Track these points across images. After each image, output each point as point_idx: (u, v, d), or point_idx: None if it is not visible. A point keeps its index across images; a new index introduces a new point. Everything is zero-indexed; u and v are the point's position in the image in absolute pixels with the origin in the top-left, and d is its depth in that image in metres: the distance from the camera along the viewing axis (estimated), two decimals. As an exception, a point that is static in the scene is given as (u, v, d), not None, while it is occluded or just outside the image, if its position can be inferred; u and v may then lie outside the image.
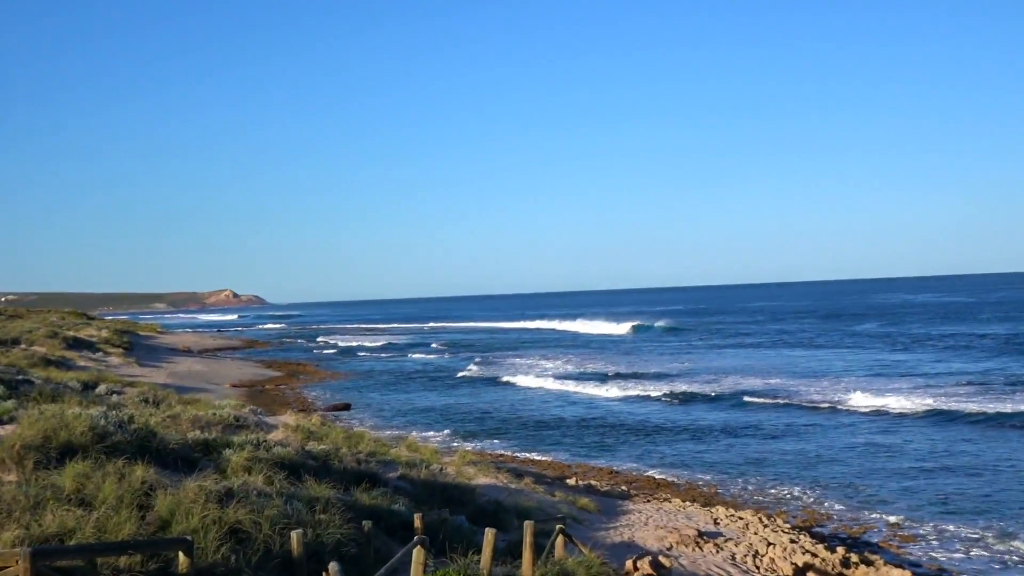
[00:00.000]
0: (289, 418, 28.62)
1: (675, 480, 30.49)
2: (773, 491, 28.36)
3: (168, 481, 12.01)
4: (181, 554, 9.42)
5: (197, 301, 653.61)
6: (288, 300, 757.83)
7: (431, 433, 39.84)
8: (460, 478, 23.09)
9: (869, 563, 19.52)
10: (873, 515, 24.97)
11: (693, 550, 20.16)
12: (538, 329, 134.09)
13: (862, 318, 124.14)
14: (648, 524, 22.74)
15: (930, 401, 42.71)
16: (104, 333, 73.71)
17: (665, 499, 27.23)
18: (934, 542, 22.28)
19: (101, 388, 27.15)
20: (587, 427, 41.00)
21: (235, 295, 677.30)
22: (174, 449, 14.75)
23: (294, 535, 10.81)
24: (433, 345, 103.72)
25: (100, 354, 59.11)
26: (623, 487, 29.02)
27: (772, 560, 19.44)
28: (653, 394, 49.80)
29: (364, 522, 12.80)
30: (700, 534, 21.23)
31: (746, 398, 47.18)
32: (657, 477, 30.92)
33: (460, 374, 65.41)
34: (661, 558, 18.13)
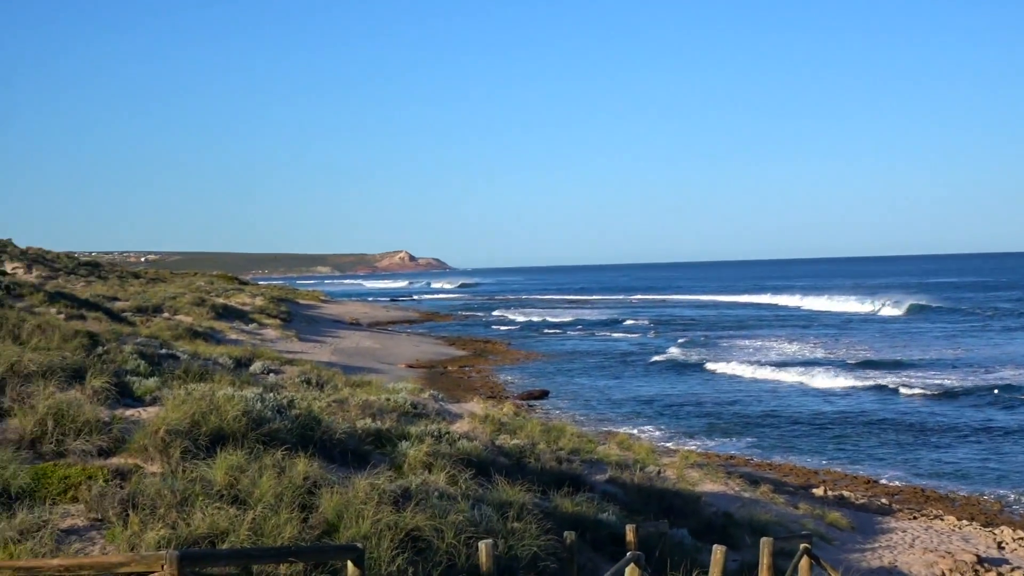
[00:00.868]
0: (476, 406, 29.06)
1: (949, 493, 29.64)
2: (1082, 511, 27.23)
3: (335, 478, 12.31)
4: (350, 564, 9.61)
5: (367, 264, 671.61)
6: (471, 265, 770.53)
7: (647, 428, 39.84)
8: (682, 484, 22.98)
9: None
10: None
11: (974, 581, 19.58)
12: (766, 305, 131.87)
13: None
14: (914, 546, 22.20)
15: None
16: (258, 301, 76.31)
17: (936, 516, 26.55)
18: None
19: (256, 366, 28.13)
20: (838, 426, 40.18)
21: (411, 258, 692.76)
22: (341, 440, 15.10)
23: (483, 546, 10.90)
24: (643, 321, 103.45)
25: (254, 326, 61.30)
26: (883, 500, 28.40)
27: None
28: (919, 387, 48.32)
29: (566, 533, 12.83)
30: (980, 560, 20.60)
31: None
32: (927, 489, 30.12)
33: (674, 357, 65.05)
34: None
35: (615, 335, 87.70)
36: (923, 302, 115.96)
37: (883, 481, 31.17)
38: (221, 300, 70.35)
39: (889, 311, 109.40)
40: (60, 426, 12.40)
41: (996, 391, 46.65)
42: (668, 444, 35.59)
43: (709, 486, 24.38)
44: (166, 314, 55.76)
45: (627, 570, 11.38)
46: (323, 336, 67.08)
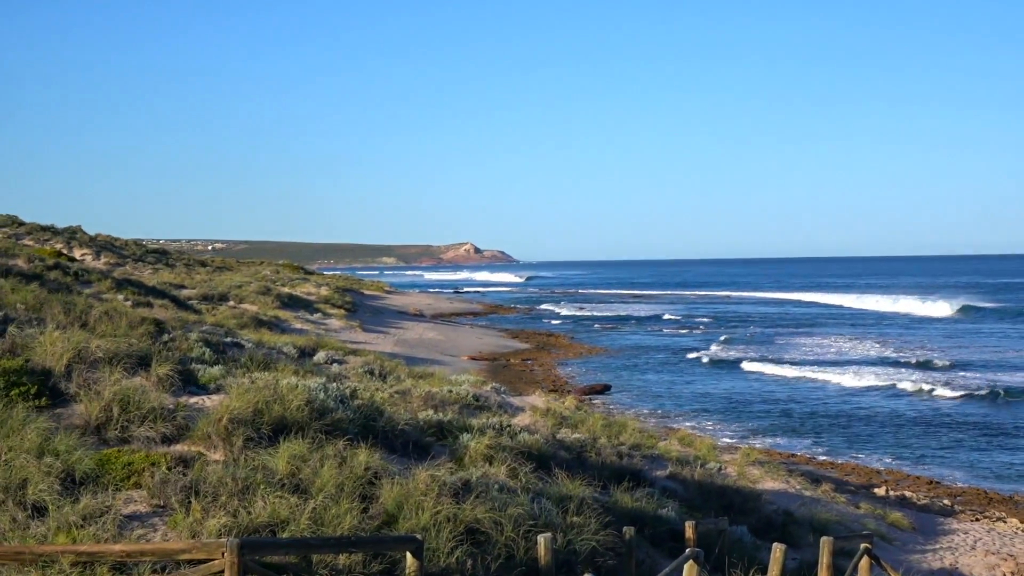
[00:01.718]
0: (538, 399, 29.02)
1: (1014, 495, 29.27)
2: None
3: (395, 468, 12.34)
4: (409, 555, 9.64)
5: (432, 256, 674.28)
6: (536, 258, 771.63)
7: (709, 424, 39.69)
8: (742, 481, 22.86)
9: None
10: None
11: (1040, 585, 19.31)
12: (821, 304, 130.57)
13: None
14: (976, 548, 21.94)
15: None
16: (323, 291, 76.85)
17: (999, 518, 26.23)
18: None
19: (320, 356, 28.26)
20: (902, 426, 39.81)
21: (476, 250, 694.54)
22: (403, 431, 15.14)
23: (542, 540, 10.89)
24: (705, 318, 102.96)
25: (319, 315, 61.69)
26: (945, 501, 28.10)
27: None
28: (982, 388, 47.66)
29: (625, 528, 12.78)
30: (1048, 564, 20.30)
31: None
32: (990, 491, 29.75)
33: (737, 354, 64.69)
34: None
35: (680, 331, 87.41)
36: (979, 303, 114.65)
37: (946, 482, 30.83)
38: (286, 289, 70.92)
39: (945, 311, 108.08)
40: (125, 413, 12.51)
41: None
42: (730, 440, 35.42)
43: (770, 484, 24.23)
44: (231, 303, 56.22)
45: (686, 567, 11.31)
46: (387, 327, 67.39)
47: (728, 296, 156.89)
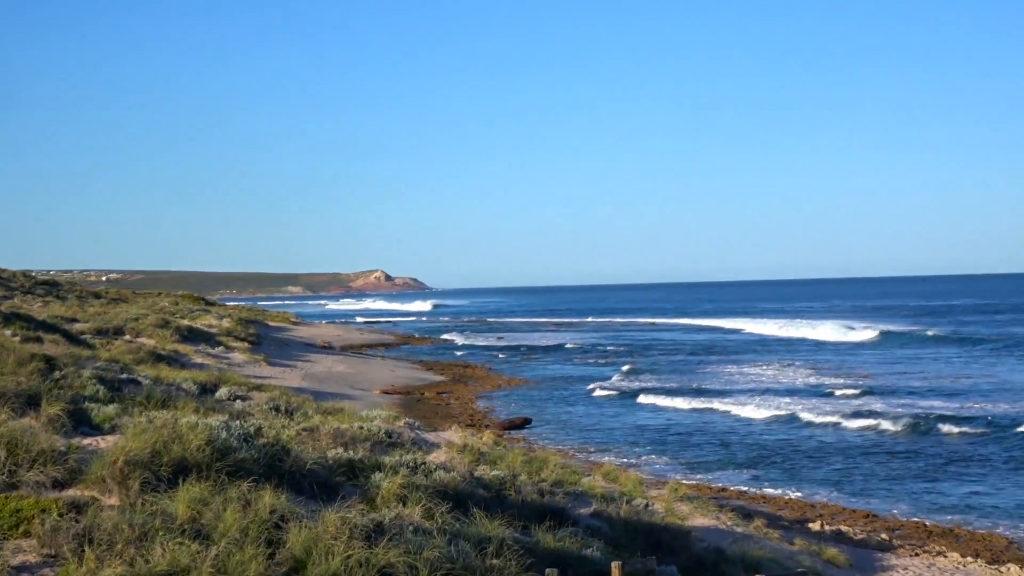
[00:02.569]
0: (454, 435, 28.97)
1: (954, 528, 29.66)
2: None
3: (303, 511, 12.26)
4: (318, 604, 9.60)
5: (340, 284, 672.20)
6: (451, 285, 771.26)
7: (635, 458, 39.89)
8: (671, 517, 22.96)
9: None
10: None
11: (982, 622, 19.57)
12: (738, 331, 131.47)
13: None
14: (918, 585, 22.19)
15: None
16: (226, 323, 76.31)
17: (939, 552, 26.58)
18: None
19: (222, 392, 28.06)
20: (835, 456, 40.37)
21: (388, 277, 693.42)
22: (311, 471, 15.06)
23: (459, 585, 10.87)
24: (624, 346, 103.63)
25: (220, 349, 61.23)
26: (883, 535, 28.42)
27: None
28: (914, 417, 47.97)
29: (548, 570, 12.80)
30: (989, 601, 20.58)
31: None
32: (928, 523, 30.15)
33: (662, 384, 65.14)
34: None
35: (600, 361, 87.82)
36: (903, 327, 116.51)
37: (883, 515, 31.20)
38: (186, 322, 70.35)
39: (862, 336, 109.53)
40: (13, 456, 12.31)
41: (990, 419, 46.78)
42: (657, 475, 35.59)
43: (700, 520, 24.36)
44: (128, 336, 55.66)
45: (612, 610, 11.35)
46: (293, 360, 67.07)
47: (653, 323, 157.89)
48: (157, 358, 44.41)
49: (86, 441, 14.57)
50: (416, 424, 27.56)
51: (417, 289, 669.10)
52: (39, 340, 35.84)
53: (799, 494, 34.17)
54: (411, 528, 12.63)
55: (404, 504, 14.51)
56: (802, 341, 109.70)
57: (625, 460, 39.00)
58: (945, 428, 45.27)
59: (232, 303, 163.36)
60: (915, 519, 30.67)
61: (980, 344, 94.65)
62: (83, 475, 12.43)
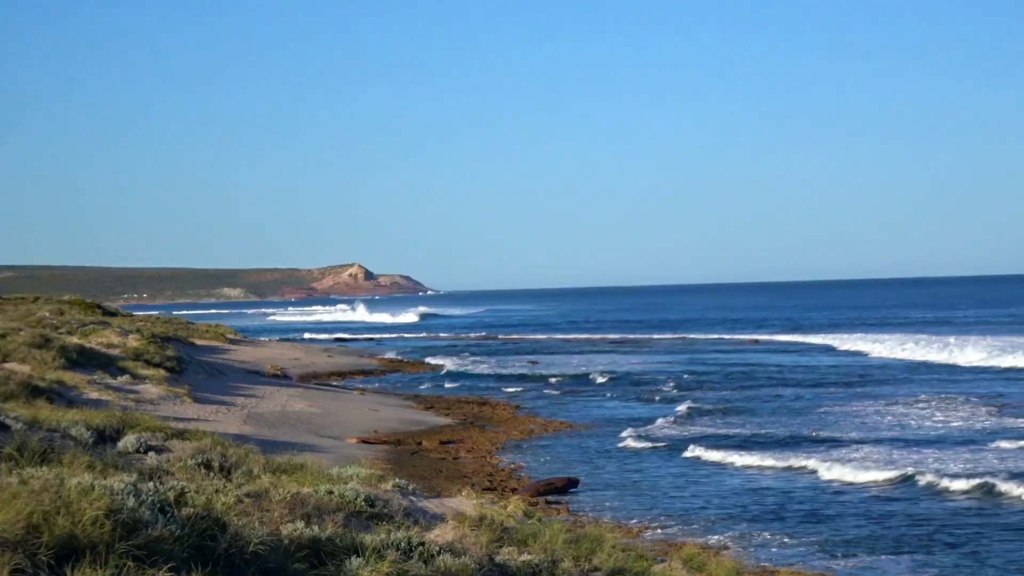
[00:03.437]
0: (466, 502, 28.88)
1: None
2: None
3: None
4: None
5: (299, 284, 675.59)
6: (456, 286, 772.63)
7: (731, 536, 39.37)
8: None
9: None
10: None
11: None
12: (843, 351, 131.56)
13: None
14: None
15: None
16: (133, 341, 75.97)
17: None
18: None
19: (128, 440, 27.88)
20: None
21: (368, 275, 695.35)
22: (256, 555, 14.92)
23: None
24: (706, 374, 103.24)
25: (126, 378, 60.97)
26: None
27: None
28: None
29: None
30: None
31: None
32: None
33: (775, 432, 64.73)
34: None
35: (677, 395, 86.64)
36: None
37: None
38: (75, 339, 70.04)
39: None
40: None
41: None
42: (764, 563, 35.43)
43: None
44: (-13, 361, 55.62)
45: None
46: (231, 394, 66.97)
47: (755, 341, 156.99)
48: (33, 391, 44.28)
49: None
50: (411, 487, 27.43)
51: (410, 291, 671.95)
52: None
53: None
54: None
55: (393, 605, 14.49)
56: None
57: (716, 538, 38.78)
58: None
59: (142, 312, 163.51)
60: None
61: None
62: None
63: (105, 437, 27.65)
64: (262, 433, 49.50)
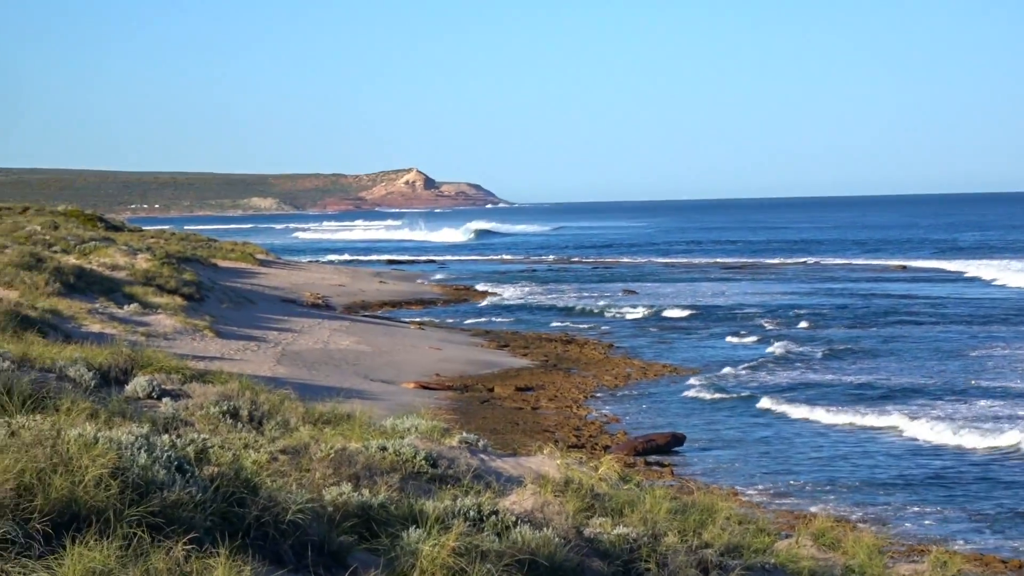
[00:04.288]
0: (549, 462, 29.03)
1: None
2: None
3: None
4: None
5: (344, 193, 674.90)
6: (534, 198, 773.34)
7: (867, 507, 39.60)
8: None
9: None
10: None
11: None
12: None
13: None
14: None
15: None
16: (142, 262, 76.43)
17: None
18: None
19: (138, 383, 28.19)
20: None
21: (429, 182, 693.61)
22: (295, 524, 15.08)
23: None
24: (848, 310, 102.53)
25: (134, 307, 61.41)
26: None
27: None
28: None
29: None
30: None
31: None
32: None
33: (915, 386, 64.62)
34: None
35: (816, 332, 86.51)
36: None
37: None
38: (73, 259, 70.58)
39: None
40: None
41: None
42: (911, 537, 35.43)
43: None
44: (-31, 285, 56.09)
45: None
46: (262, 328, 67.32)
47: (904, 267, 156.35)
48: (23, 322, 44.72)
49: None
50: (481, 443, 27.61)
51: (479, 202, 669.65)
52: None
53: None
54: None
55: (461, 587, 14.58)
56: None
57: (853, 510, 38.87)
58: None
59: (153, 227, 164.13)
60: None
61: None
62: None
63: (110, 379, 27.98)
64: (300, 375, 49.78)
